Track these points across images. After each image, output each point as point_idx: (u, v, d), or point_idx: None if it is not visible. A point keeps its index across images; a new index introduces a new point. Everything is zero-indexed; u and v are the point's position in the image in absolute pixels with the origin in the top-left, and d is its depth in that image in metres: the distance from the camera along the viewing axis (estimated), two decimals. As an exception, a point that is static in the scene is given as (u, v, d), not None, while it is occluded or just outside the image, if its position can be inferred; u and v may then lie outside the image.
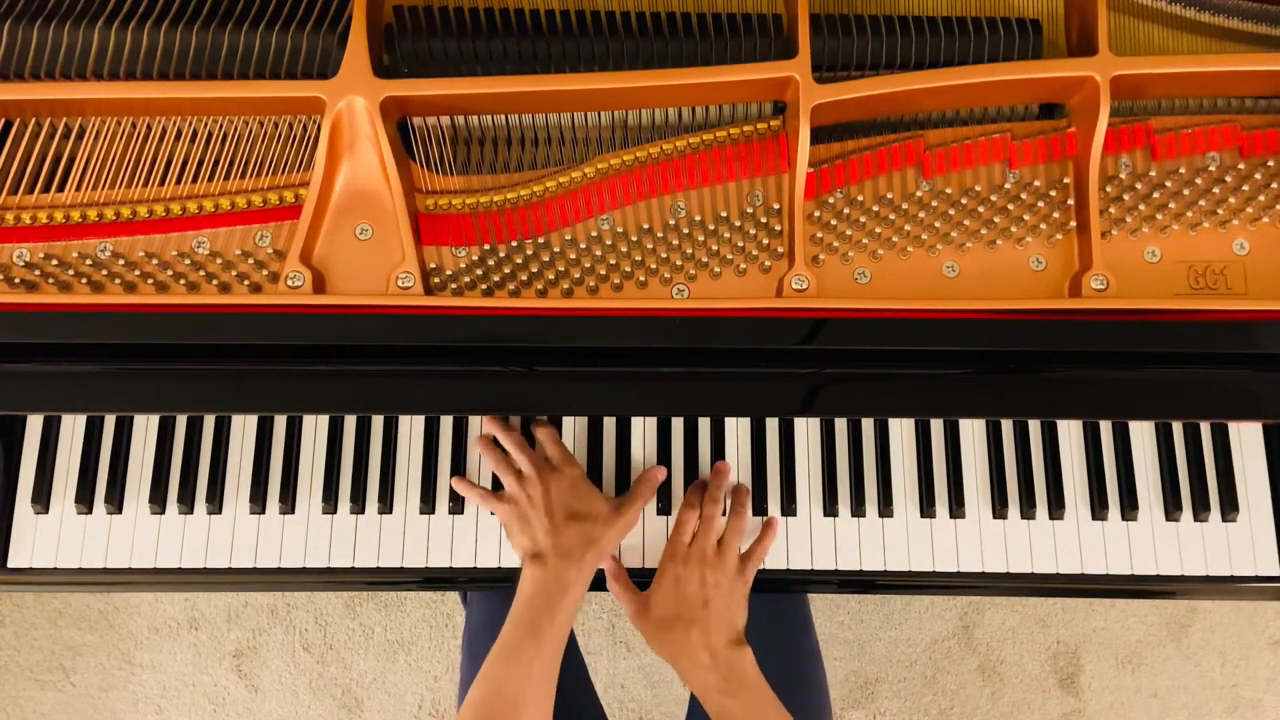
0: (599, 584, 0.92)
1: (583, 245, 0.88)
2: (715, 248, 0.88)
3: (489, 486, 0.93)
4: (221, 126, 0.88)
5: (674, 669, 0.86)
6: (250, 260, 0.87)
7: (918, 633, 1.71)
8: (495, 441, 0.93)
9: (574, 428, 0.95)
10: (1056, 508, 0.93)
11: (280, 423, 0.94)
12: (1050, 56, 0.91)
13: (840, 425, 0.95)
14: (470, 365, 0.87)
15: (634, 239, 0.88)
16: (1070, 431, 0.95)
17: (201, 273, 0.86)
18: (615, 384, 0.88)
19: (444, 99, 0.86)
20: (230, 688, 1.67)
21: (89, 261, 0.86)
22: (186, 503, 0.92)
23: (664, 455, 0.94)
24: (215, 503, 0.92)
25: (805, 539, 0.93)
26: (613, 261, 0.88)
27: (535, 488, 0.88)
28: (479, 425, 0.95)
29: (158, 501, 0.92)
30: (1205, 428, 0.95)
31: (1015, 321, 0.85)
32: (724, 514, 0.92)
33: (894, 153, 0.89)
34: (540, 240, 0.88)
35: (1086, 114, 0.87)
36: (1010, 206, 0.89)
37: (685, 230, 0.89)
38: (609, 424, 0.95)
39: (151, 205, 0.87)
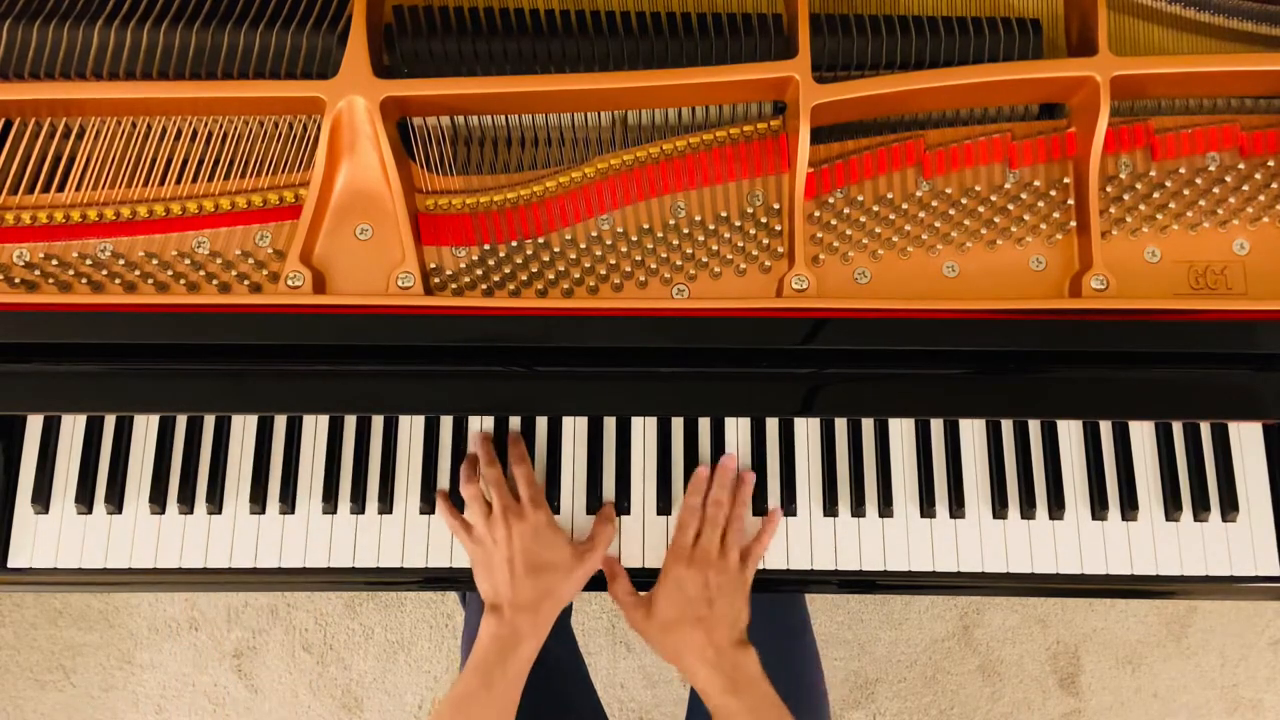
0: (598, 584, 0.92)
1: (583, 245, 0.88)
2: (715, 248, 0.88)
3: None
4: (221, 126, 0.88)
5: (677, 668, 0.86)
6: (250, 260, 0.87)
7: (918, 633, 1.71)
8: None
9: (574, 428, 0.95)
10: (1056, 508, 0.92)
11: (280, 423, 0.94)
12: (1050, 56, 0.91)
13: (840, 425, 0.95)
14: (470, 365, 0.87)
15: (634, 239, 0.88)
16: (1070, 431, 0.95)
17: (201, 273, 0.86)
18: (615, 384, 0.88)
19: (444, 99, 0.86)
20: (230, 688, 1.67)
21: (89, 261, 0.86)
22: (186, 503, 0.92)
23: (664, 455, 0.94)
24: (215, 503, 0.92)
25: (805, 539, 0.93)
26: (613, 261, 0.88)
27: (500, 532, 0.87)
28: (479, 425, 0.94)
29: (158, 502, 0.92)
30: (1205, 428, 0.95)
31: (1015, 321, 0.85)
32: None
33: (894, 153, 0.89)
34: (540, 240, 0.88)
35: (1086, 114, 0.87)
36: (1010, 206, 0.89)
37: (685, 230, 0.89)
38: (609, 424, 0.95)
39: (151, 205, 0.87)
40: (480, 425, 0.94)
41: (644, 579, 0.92)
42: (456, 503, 0.92)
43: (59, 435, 0.93)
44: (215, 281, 0.86)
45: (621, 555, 0.93)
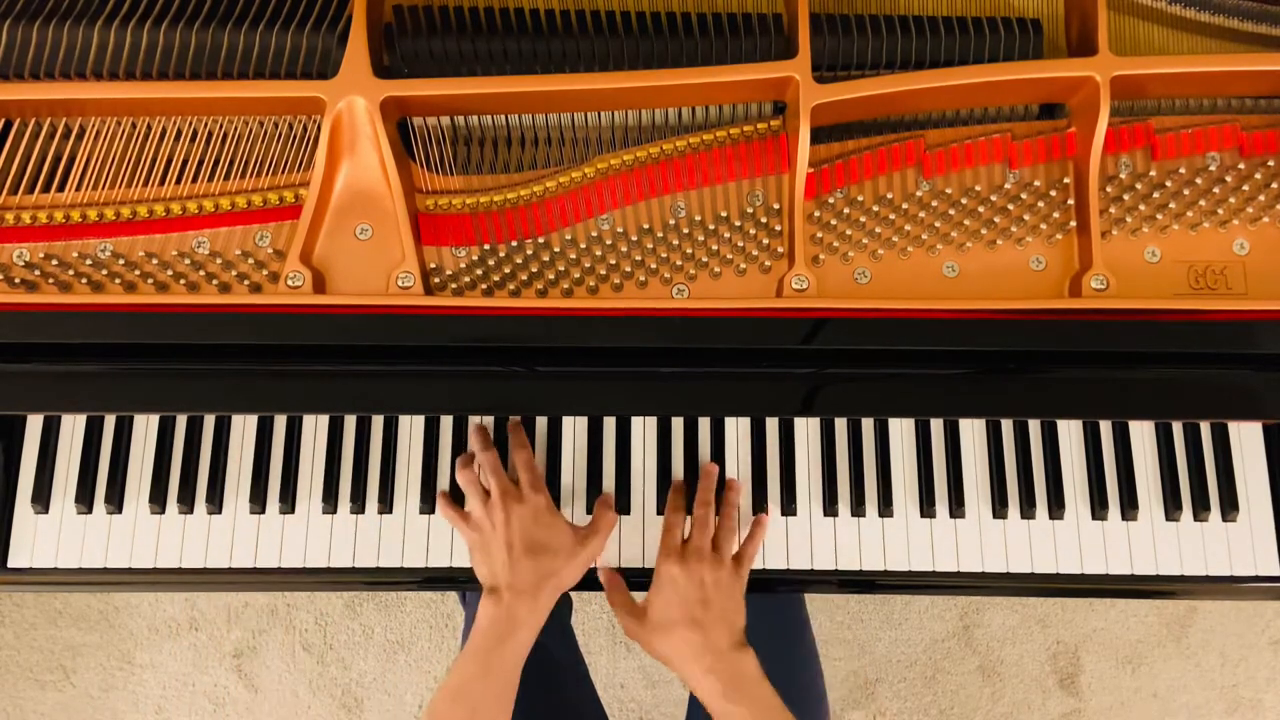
0: (598, 586, 0.92)
1: (583, 245, 0.88)
2: (715, 248, 0.88)
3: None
4: (221, 126, 0.88)
5: (677, 674, 0.85)
6: (250, 260, 0.87)
7: (918, 633, 1.71)
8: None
9: (574, 428, 0.95)
10: (1056, 508, 0.93)
11: (280, 423, 0.94)
12: (1050, 56, 0.91)
13: (840, 425, 0.95)
14: (470, 365, 0.87)
15: (634, 239, 0.88)
16: (1070, 431, 0.95)
17: (201, 273, 0.86)
18: (615, 384, 0.88)
19: (444, 99, 0.86)
20: (230, 688, 1.67)
21: (89, 261, 0.86)
22: (186, 503, 0.92)
23: (664, 455, 0.94)
24: (215, 503, 0.92)
25: (805, 539, 0.93)
26: (613, 261, 0.88)
27: (498, 515, 0.85)
28: (479, 423, 0.94)
29: (158, 501, 0.92)
30: (1205, 428, 0.95)
31: (1015, 321, 0.85)
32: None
33: (894, 153, 0.89)
34: (540, 240, 0.88)
35: (1086, 114, 0.87)
36: (1010, 206, 0.89)
37: (685, 230, 0.89)
38: (609, 424, 0.95)
39: (151, 205, 0.87)
40: (480, 424, 0.94)
41: (644, 579, 0.92)
42: (458, 500, 0.92)
43: (59, 435, 0.93)
44: (215, 281, 0.86)
45: (621, 555, 0.93)
